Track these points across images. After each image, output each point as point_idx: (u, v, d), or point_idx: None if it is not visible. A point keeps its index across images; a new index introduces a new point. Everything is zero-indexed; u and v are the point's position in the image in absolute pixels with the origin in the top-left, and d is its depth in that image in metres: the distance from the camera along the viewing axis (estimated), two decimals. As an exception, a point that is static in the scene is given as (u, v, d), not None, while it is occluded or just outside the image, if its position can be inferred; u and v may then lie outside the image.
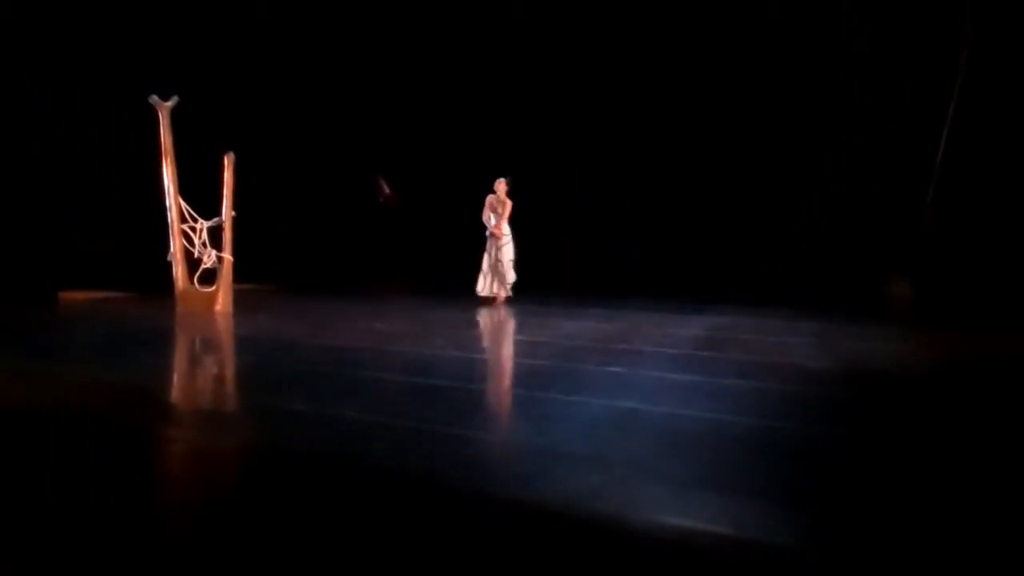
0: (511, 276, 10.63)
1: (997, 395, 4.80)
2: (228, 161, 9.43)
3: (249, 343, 7.24)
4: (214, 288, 9.31)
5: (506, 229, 10.60)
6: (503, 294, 10.69)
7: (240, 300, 9.71)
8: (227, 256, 9.36)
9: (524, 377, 5.46)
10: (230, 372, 5.77)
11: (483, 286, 10.76)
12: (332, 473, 2.89)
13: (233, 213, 9.43)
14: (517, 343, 7.32)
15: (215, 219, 9.38)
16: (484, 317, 9.36)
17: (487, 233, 10.67)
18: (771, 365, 5.56)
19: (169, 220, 9.28)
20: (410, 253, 14.71)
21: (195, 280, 9.35)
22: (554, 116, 13.33)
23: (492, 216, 10.59)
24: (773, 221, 12.12)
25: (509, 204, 10.53)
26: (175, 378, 5.33)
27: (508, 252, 10.61)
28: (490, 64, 13.44)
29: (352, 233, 14.59)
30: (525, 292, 11.26)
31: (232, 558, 2.15)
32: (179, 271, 9.33)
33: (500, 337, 7.94)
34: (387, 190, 12.62)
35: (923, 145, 10.61)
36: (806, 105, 11.74)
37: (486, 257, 10.71)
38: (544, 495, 2.61)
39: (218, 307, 9.20)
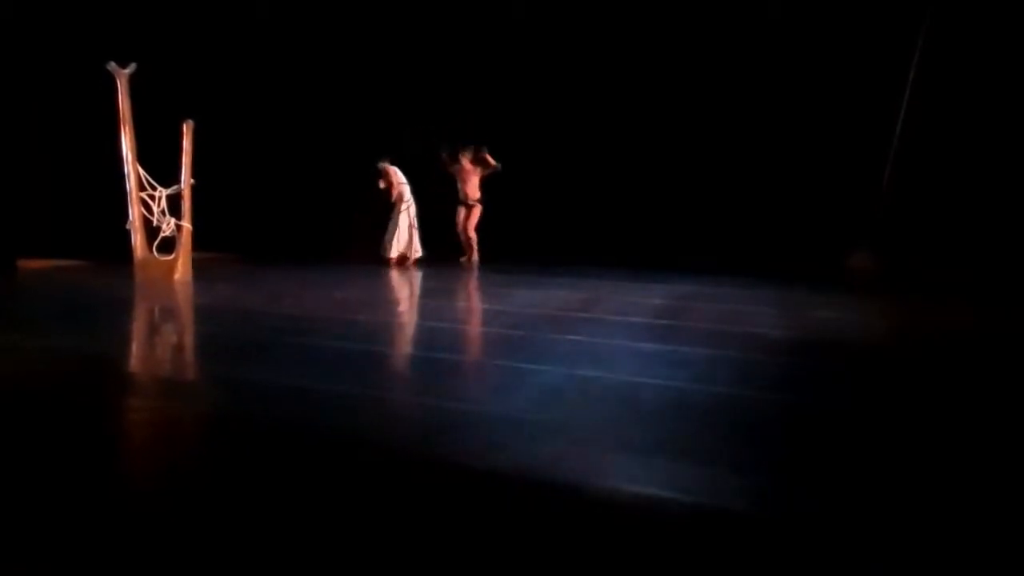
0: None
1: (954, 363, 4.88)
2: (187, 129, 9.34)
3: (208, 312, 7.20)
4: (173, 257, 9.24)
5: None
6: (415, 255, 12.26)
7: (200, 269, 9.65)
8: (186, 224, 9.29)
9: (485, 345, 5.48)
10: (189, 341, 5.75)
11: (396, 248, 12.20)
12: (292, 442, 2.90)
13: (192, 181, 9.34)
14: (477, 311, 7.33)
15: (174, 187, 9.28)
16: (445, 285, 9.35)
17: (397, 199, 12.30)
18: (732, 334, 5.61)
19: (127, 188, 9.16)
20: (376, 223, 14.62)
21: (154, 249, 9.25)
22: (533, 85, 13.27)
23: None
24: (749, 198, 12.20)
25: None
26: (134, 347, 5.29)
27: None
28: (461, 35, 13.35)
29: (314, 201, 14.47)
30: (487, 261, 11.29)
31: (193, 528, 2.15)
32: (138, 239, 9.23)
33: (460, 306, 7.94)
34: (445, 157, 12.41)
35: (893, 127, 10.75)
36: (780, 83, 11.84)
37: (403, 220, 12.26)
38: (504, 463, 2.64)
39: (177, 276, 9.13)
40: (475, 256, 12.42)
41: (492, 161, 12.19)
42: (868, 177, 11.03)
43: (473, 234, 12.45)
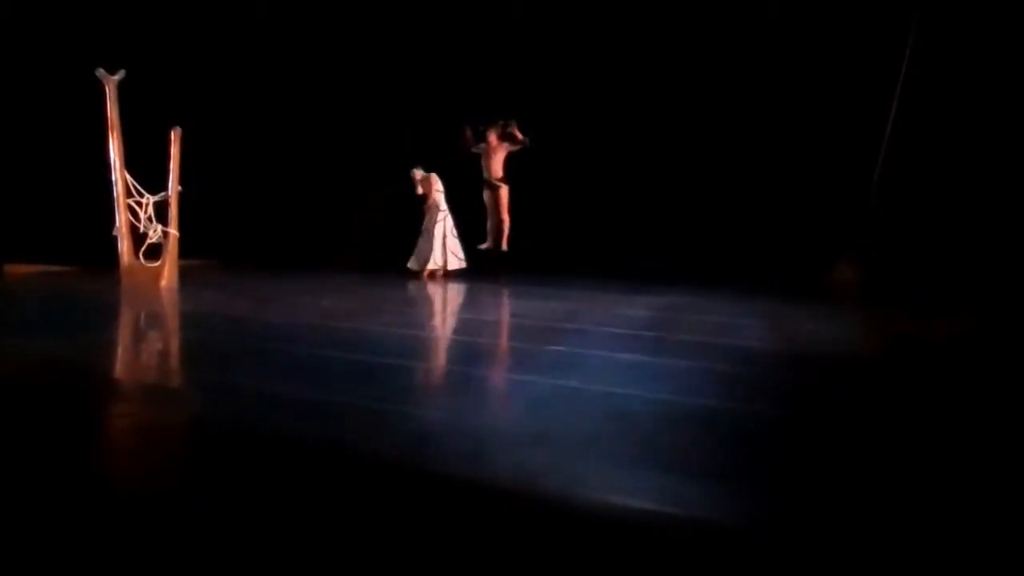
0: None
1: (940, 375, 4.91)
2: (175, 136, 9.35)
3: (194, 319, 7.21)
4: (159, 263, 9.24)
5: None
6: (447, 266, 11.36)
7: (186, 275, 9.64)
8: (173, 231, 9.29)
9: (469, 356, 5.49)
10: (175, 348, 5.75)
11: (434, 260, 11.31)
12: (275, 450, 2.92)
13: (179, 188, 9.34)
14: (463, 321, 7.35)
15: (161, 194, 9.29)
16: (430, 294, 9.36)
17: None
18: (717, 346, 5.62)
19: (115, 195, 9.16)
20: (362, 229, 14.59)
21: (140, 255, 9.24)
22: (521, 94, 13.26)
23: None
24: (735, 210, 12.26)
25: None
26: (119, 353, 5.29)
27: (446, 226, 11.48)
28: (456, 40, 13.37)
29: (301, 208, 14.45)
30: (474, 271, 11.29)
31: (180, 531, 2.17)
32: (124, 246, 9.22)
33: (446, 315, 7.96)
34: (469, 134, 11.66)
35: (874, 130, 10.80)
36: (766, 94, 11.92)
37: (438, 231, 11.34)
38: (488, 473, 2.66)
39: (163, 282, 9.13)
40: (504, 244, 11.71)
41: (520, 135, 11.43)
42: (854, 189, 11.09)
43: (506, 217, 11.64)
